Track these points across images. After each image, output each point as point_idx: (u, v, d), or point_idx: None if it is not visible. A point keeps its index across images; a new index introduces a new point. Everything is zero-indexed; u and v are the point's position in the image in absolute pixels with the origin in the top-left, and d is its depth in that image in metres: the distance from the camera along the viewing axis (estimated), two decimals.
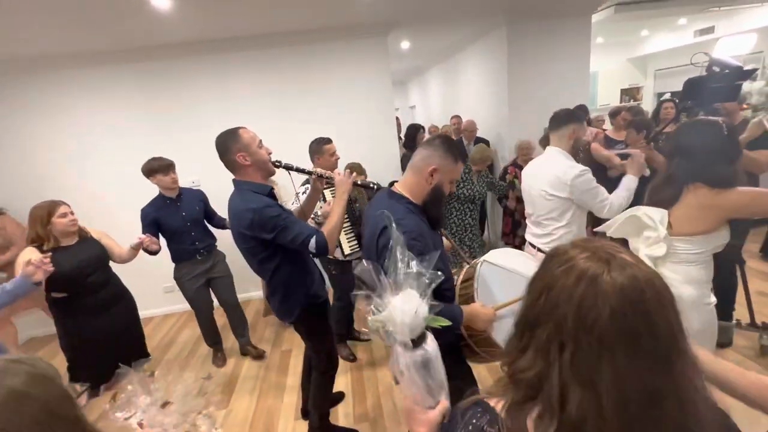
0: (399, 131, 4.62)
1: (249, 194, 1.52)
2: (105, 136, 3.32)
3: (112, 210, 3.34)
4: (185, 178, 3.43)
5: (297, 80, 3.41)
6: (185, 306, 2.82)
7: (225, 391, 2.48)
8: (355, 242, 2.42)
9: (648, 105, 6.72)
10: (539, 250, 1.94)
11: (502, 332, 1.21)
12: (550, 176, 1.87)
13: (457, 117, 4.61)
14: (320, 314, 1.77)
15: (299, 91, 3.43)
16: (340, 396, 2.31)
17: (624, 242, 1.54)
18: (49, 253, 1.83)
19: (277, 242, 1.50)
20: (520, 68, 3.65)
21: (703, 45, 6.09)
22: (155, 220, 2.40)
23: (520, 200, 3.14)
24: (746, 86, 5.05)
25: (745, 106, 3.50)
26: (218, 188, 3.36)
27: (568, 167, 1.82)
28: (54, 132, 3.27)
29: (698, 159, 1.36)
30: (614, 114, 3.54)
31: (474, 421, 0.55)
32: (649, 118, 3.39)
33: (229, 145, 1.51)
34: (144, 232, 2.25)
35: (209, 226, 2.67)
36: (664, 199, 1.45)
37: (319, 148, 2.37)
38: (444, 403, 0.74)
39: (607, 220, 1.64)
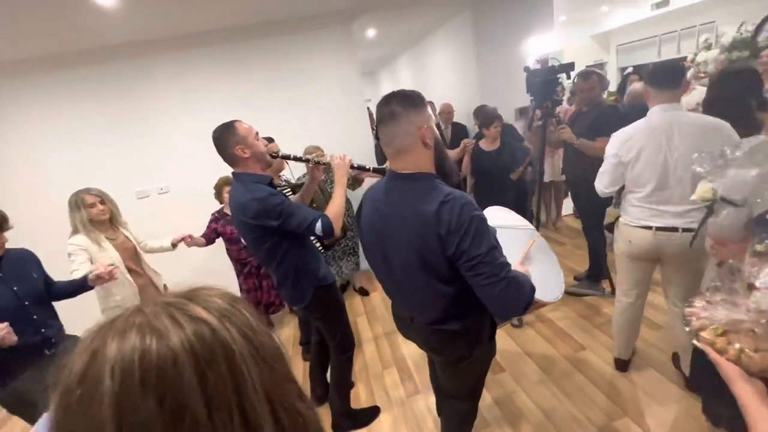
0: (372, 122, 4.57)
1: (251, 185, 1.53)
2: (55, 147, 3.11)
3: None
4: (152, 185, 3.30)
5: (262, 74, 3.30)
6: None
7: None
8: None
9: (612, 80, 6.89)
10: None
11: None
12: None
13: (430, 103, 4.58)
14: (333, 294, 1.81)
15: (266, 85, 3.32)
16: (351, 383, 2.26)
17: None
18: None
19: (283, 228, 1.52)
20: (487, 50, 3.66)
21: (660, 17, 6.26)
22: None
23: None
24: (702, 55, 5.25)
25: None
26: (189, 192, 3.32)
27: None
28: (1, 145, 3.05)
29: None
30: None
31: None
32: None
33: (227, 139, 1.51)
34: None
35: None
36: None
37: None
38: None
39: None
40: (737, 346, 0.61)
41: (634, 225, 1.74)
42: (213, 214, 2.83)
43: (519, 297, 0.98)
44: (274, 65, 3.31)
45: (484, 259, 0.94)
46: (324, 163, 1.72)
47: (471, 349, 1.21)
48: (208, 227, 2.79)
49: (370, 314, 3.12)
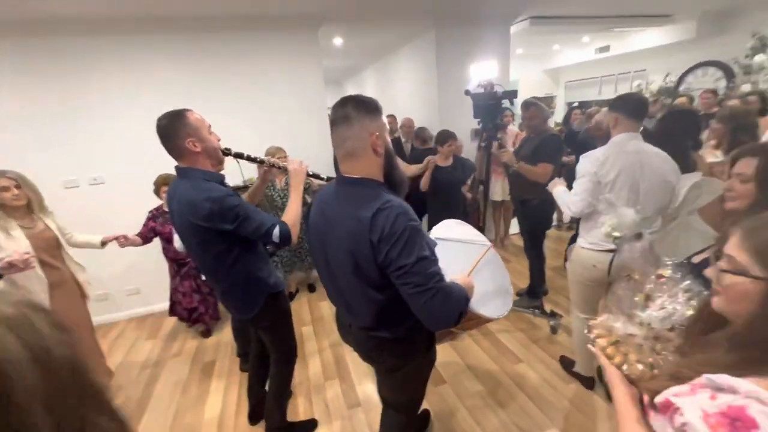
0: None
1: (203, 183, 1.40)
2: None
3: None
4: (84, 175, 3.01)
5: (220, 69, 3.16)
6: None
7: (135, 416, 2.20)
8: None
9: (561, 112, 7.48)
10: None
11: (477, 302, 1.23)
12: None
13: (392, 116, 4.68)
14: (282, 302, 1.73)
15: (222, 81, 3.18)
16: (289, 393, 2.23)
17: None
18: None
19: (237, 233, 1.41)
20: (448, 71, 3.81)
21: (602, 60, 6.94)
22: None
23: None
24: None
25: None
26: (127, 186, 3.06)
27: None
28: None
29: None
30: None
31: None
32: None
33: (176, 129, 1.37)
34: None
35: None
36: None
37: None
38: None
39: None
40: (625, 355, 0.70)
41: (598, 249, 1.75)
42: (151, 212, 2.66)
43: (445, 308, 0.97)
44: (234, 61, 3.19)
45: (412, 269, 0.95)
46: (280, 167, 1.63)
47: (404, 360, 1.20)
48: (145, 225, 2.60)
49: (317, 323, 3.04)
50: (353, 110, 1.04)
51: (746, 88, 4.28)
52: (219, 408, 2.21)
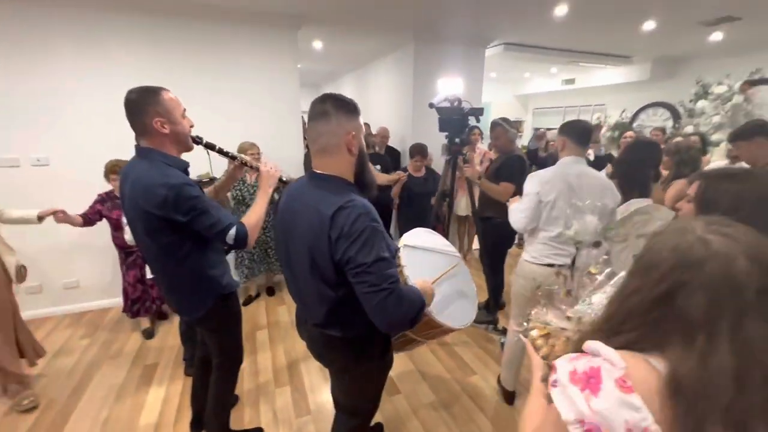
0: (305, 131, 4.50)
1: (163, 167, 1.30)
2: None
3: None
4: (27, 154, 2.77)
5: (193, 58, 3.03)
6: None
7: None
8: None
9: (529, 136, 7.85)
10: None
11: (439, 310, 1.25)
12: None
13: (366, 125, 4.70)
14: (232, 305, 1.60)
15: (194, 70, 3.06)
16: (235, 399, 2.12)
17: None
18: None
19: (190, 227, 1.31)
20: (424, 85, 3.90)
21: (567, 92, 7.39)
22: None
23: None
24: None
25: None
26: (76, 169, 2.83)
27: None
28: None
29: None
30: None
31: None
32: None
33: (146, 106, 1.27)
34: None
35: None
36: None
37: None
38: None
39: None
40: (552, 347, 0.75)
41: (538, 263, 1.84)
42: (99, 195, 2.51)
43: (397, 309, 0.97)
44: (207, 51, 3.07)
45: (368, 269, 0.95)
46: (252, 167, 1.55)
47: (355, 362, 1.18)
48: (91, 207, 2.46)
49: (273, 328, 2.93)
50: (332, 107, 1.04)
51: (689, 129, 4.70)
52: (156, 415, 2.05)
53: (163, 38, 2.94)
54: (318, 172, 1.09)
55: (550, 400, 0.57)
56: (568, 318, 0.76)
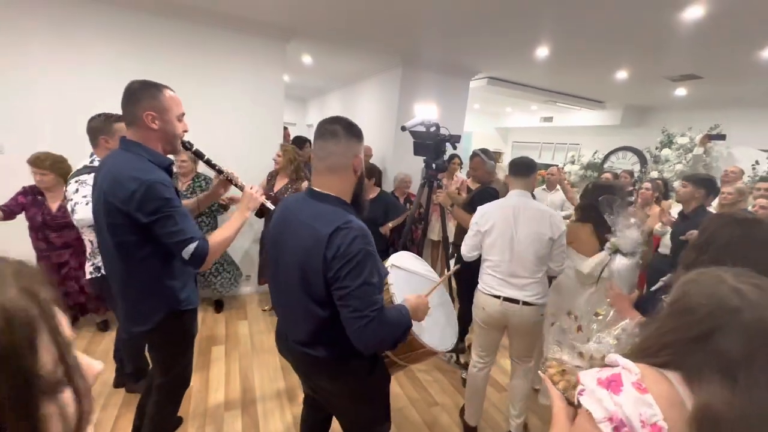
0: (286, 140, 4.46)
1: (142, 161, 1.24)
2: None
3: None
4: None
5: (178, 58, 2.97)
6: None
7: None
8: None
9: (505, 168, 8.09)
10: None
11: (423, 332, 1.26)
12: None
13: None
14: (186, 323, 1.46)
15: (181, 72, 2.98)
16: (178, 422, 1.95)
17: None
18: None
19: (149, 230, 1.21)
20: (408, 110, 3.96)
21: (545, 129, 7.71)
22: None
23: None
24: (568, 167, 6.50)
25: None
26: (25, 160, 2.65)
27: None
28: None
29: None
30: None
31: None
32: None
33: (143, 99, 1.24)
34: None
35: None
36: None
37: (108, 126, 1.81)
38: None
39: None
40: (568, 382, 0.84)
41: (486, 293, 1.89)
42: (24, 187, 2.34)
43: (375, 336, 0.99)
44: (195, 53, 3.01)
45: (354, 292, 0.97)
46: (237, 185, 1.52)
47: (340, 383, 1.17)
48: (13, 198, 2.29)
49: (230, 342, 2.77)
50: (343, 129, 1.09)
51: (654, 174, 4.97)
52: None
53: (147, 34, 2.86)
54: (317, 190, 1.11)
55: (579, 406, 0.67)
56: (581, 354, 0.86)
